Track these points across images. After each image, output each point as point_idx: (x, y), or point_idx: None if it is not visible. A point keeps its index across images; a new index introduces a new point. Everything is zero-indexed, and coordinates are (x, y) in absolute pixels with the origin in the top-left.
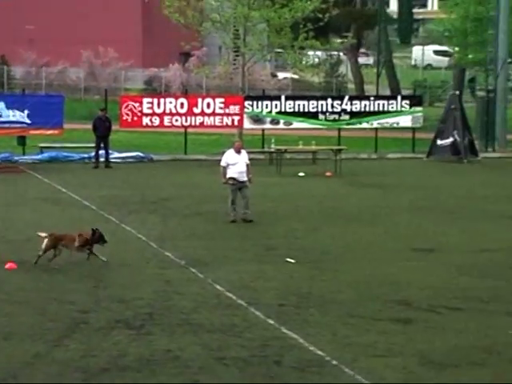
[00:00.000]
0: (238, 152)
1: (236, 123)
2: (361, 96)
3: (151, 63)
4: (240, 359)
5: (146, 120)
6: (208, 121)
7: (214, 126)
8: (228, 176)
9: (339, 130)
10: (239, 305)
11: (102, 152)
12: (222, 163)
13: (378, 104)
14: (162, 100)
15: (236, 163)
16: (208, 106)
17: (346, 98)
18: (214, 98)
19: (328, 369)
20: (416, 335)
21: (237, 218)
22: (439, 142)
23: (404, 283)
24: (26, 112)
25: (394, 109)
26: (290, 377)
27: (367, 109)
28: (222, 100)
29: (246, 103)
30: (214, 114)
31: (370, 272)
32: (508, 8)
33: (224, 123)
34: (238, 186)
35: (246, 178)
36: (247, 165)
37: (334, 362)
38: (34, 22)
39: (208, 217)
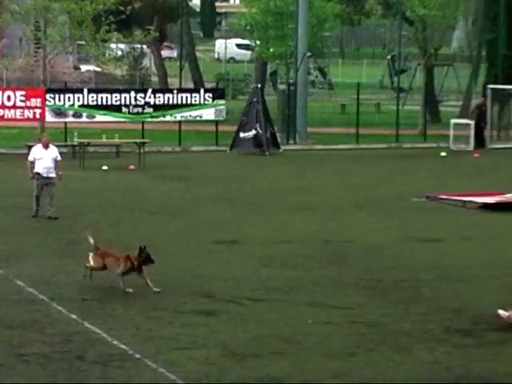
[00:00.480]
0: (46, 147)
1: (38, 116)
2: (164, 89)
3: None
4: (42, 355)
5: None
6: (9, 114)
7: (15, 120)
8: (34, 171)
9: (143, 123)
10: (41, 300)
11: None
12: (30, 158)
13: (182, 97)
14: None
15: (42, 158)
16: (8, 98)
17: (150, 91)
18: (14, 90)
19: (131, 362)
20: (219, 327)
21: (40, 213)
22: (242, 134)
23: (207, 275)
24: None
25: (197, 102)
26: (92, 371)
27: (171, 102)
28: (23, 93)
29: (48, 96)
30: (14, 107)
31: (173, 264)
32: (307, 3)
33: (25, 116)
34: (43, 181)
35: (53, 174)
36: (57, 161)
37: (137, 356)
38: None
39: (9, 211)
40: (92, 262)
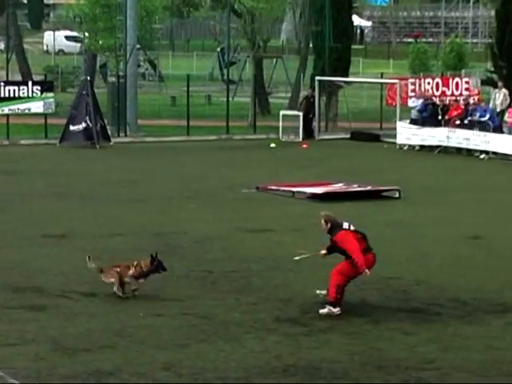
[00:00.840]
0: None
1: None
2: None
3: None
4: None
5: None
6: None
7: None
8: None
9: None
10: None
11: None
12: None
13: (9, 90)
14: None
15: None
16: None
17: None
18: None
19: None
20: (49, 322)
21: None
22: (72, 127)
23: (36, 270)
24: None
25: (26, 95)
26: None
27: None
28: None
29: None
30: None
31: (1, 259)
32: None
33: None
34: None
35: None
36: None
37: None
38: None
39: None
40: (108, 278)
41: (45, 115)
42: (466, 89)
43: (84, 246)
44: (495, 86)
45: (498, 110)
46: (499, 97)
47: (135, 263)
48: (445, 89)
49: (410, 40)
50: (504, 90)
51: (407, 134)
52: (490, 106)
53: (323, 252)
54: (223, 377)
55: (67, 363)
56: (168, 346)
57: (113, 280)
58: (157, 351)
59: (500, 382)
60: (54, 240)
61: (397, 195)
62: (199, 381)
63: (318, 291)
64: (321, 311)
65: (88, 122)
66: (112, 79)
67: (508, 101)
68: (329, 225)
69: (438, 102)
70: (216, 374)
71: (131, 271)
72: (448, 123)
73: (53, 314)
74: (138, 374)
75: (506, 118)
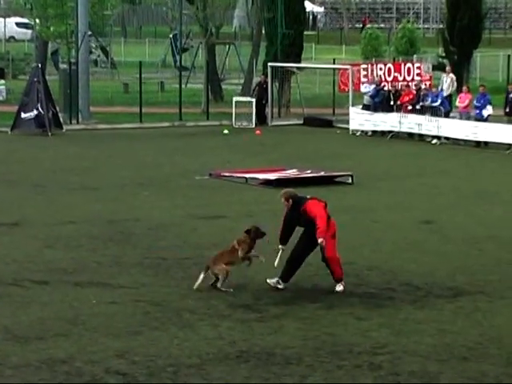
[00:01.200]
0: None
1: None
2: None
3: None
4: None
5: None
6: None
7: None
8: None
9: None
10: None
11: None
12: None
13: None
14: None
15: None
16: None
17: None
18: None
19: None
20: (1, 310)
21: None
22: (23, 115)
23: None
24: None
25: None
26: None
27: None
28: None
29: None
30: None
31: None
32: None
33: None
34: None
35: None
36: None
37: None
38: None
39: None
40: (216, 272)
41: None
42: (418, 74)
43: (36, 234)
44: (451, 70)
45: (445, 94)
46: (446, 81)
47: (235, 242)
48: (397, 74)
49: (368, 26)
50: (451, 75)
51: (360, 119)
52: (439, 90)
53: (281, 247)
54: (177, 364)
55: (19, 352)
56: (121, 333)
57: (220, 276)
58: (110, 339)
59: (451, 366)
60: (5, 228)
61: (349, 181)
62: (152, 368)
63: (268, 280)
64: (338, 289)
65: (40, 109)
66: (64, 66)
67: (455, 86)
68: (290, 201)
69: (389, 88)
70: (169, 361)
71: (240, 252)
72: (400, 108)
73: (5, 303)
74: (91, 361)
75: (457, 103)
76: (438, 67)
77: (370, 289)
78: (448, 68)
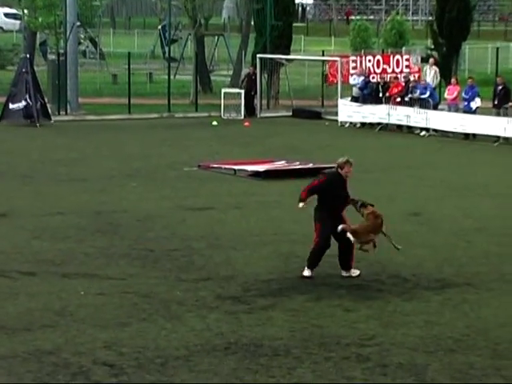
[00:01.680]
0: None
1: None
2: None
3: None
4: None
5: None
6: None
7: None
8: None
9: None
10: None
11: None
12: None
13: None
14: None
15: None
16: None
17: None
18: None
19: None
20: None
21: None
22: (11, 105)
23: None
24: None
25: None
26: None
27: None
28: None
29: None
30: None
31: None
32: None
33: None
34: None
35: None
36: None
37: None
38: None
39: None
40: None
41: None
42: (407, 66)
43: (24, 224)
44: (434, 63)
45: None
46: (430, 73)
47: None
48: (385, 66)
49: (351, 17)
50: (434, 67)
51: (348, 111)
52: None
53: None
54: (164, 355)
55: (7, 343)
56: (109, 324)
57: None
58: (98, 330)
59: (439, 357)
60: None
61: None
62: (140, 359)
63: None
64: (354, 274)
65: (28, 100)
66: (52, 57)
67: (439, 78)
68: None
69: (378, 80)
70: (157, 353)
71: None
72: (389, 100)
73: None
74: (79, 353)
75: (446, 95)
76: (427, 59)
77: (358, 281)
78: (431, 60)
